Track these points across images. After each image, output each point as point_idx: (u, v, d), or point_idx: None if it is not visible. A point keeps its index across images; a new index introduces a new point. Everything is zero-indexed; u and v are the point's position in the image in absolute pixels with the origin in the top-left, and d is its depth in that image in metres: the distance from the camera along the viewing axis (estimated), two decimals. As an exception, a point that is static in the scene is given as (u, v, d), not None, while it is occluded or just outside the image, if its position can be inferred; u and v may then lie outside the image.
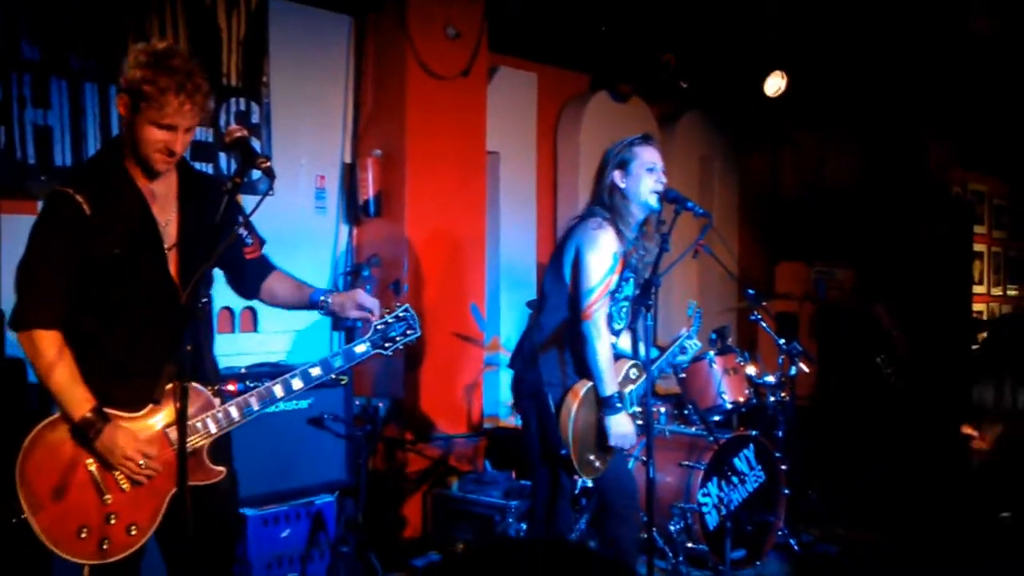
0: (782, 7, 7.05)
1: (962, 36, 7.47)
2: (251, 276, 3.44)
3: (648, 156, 4.24)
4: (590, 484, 5.54)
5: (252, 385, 4.97)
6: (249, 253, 3.36)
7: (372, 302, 3.36)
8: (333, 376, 3.34)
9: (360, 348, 3.34)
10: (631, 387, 4.35)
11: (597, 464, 4.24)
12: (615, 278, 4.17)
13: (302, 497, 5.14)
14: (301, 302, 3.46)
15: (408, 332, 3.39)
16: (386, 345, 3.36)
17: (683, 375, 5.86)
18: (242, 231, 3.25)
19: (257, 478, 4.70)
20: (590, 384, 4.16)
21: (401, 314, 3.39)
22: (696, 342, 4.80)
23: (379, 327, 3.35)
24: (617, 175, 4.23)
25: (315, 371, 3.25)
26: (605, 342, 4.14)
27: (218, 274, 3.31)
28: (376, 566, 5.11)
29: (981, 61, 7.85)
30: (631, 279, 4.29)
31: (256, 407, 3.18)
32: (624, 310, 4.34)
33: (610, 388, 4.14)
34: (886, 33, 7.37)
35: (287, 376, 3.22)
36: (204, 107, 3.03)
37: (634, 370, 4.36)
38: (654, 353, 4.55)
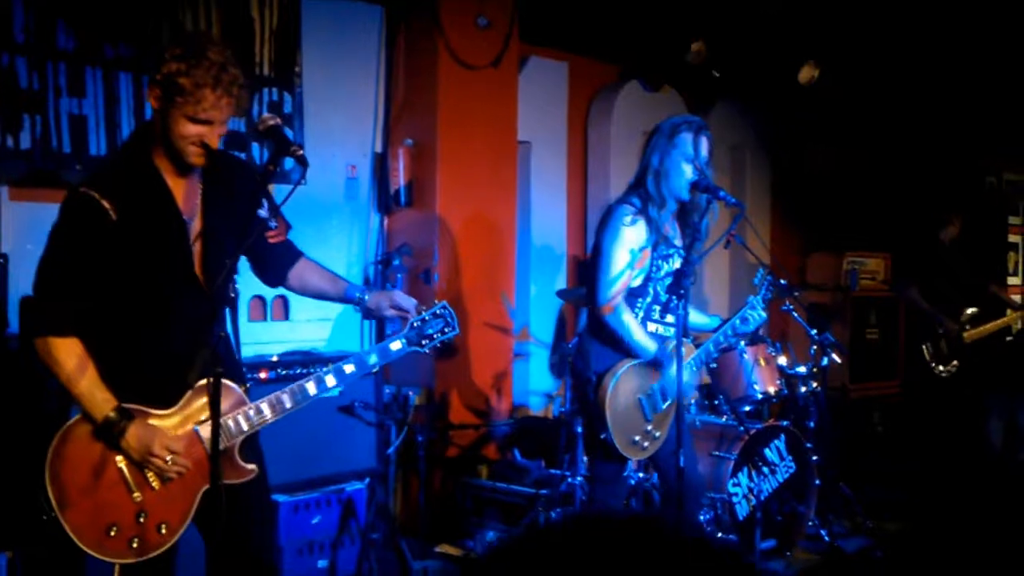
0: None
1: (991, 20, 7.37)
2: (276, 262, 3.37)
3: (690, 144, 4.19)
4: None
5: (284, 373, 5.06)
6: (273, 237, 3.29)
7: (408, 301, 3.34)
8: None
9: (395, 345, 3.32)
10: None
11: (646, 445, 4.27)
12: (635, 271, 4.18)
13: (333, 484, 5.18)
14: (335, 295, 3.43)
15: (446, 329, 3.37)
16: (423, 342, 3.34)
17: (714, 364, 5.83)
18: (265, 214, 3.16)
19: (288, 465, 4.73)
20: (628, 365, 4.17)
21: (439, 311, 3.37)
22: (761, 312, 4.52)
23: (415, 324, 3.33)
24: (657, 158, 4.22)
25: (349, 367, 3.23)
26: (630, 321, 4.18)
27: (244, 264, 3.26)
28: (406, 553, 5.13)
29: (1013, 46, 7.75)
30: (672, 254, 4.28)
31: (289, 404, 3.13)
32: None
33: (652, 350, 4.19)
34: (917, 20, 7.29)
35: (320, 372, 3.19)
36: (239, 99, 2.97)
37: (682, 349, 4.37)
38: (716, 322, 4.58)
